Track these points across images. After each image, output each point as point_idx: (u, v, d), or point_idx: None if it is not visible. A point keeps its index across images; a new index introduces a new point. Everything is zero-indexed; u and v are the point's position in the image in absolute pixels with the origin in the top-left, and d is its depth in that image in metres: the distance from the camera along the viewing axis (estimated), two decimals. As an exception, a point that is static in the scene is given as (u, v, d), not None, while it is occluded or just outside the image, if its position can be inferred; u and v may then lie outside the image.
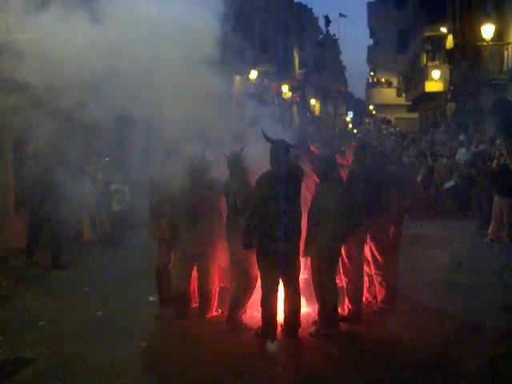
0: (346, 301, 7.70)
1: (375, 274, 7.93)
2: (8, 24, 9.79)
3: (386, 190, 7.78)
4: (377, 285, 7.95)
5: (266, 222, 6.89)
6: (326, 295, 7.14)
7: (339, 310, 7.63)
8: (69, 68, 7.09)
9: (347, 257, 7.59)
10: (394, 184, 7.97)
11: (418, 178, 17.08)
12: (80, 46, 7.15)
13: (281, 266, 6.95)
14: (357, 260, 7.66)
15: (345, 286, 7.70)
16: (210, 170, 7.84)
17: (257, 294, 7.30)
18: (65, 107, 7.16)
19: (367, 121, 53.13)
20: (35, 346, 6.98)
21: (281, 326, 7.19)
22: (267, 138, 7.17)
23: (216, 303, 7.92)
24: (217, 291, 7.89)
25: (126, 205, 12.53)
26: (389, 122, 50.24)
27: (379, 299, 7.95)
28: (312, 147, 8.66)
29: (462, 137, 21.07)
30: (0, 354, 6.70)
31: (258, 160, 7.33)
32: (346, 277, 7.67)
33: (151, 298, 8.47)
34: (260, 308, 7.12)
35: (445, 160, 17.54)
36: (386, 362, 6.48)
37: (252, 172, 7.38)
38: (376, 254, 7.85)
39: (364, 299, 7.98)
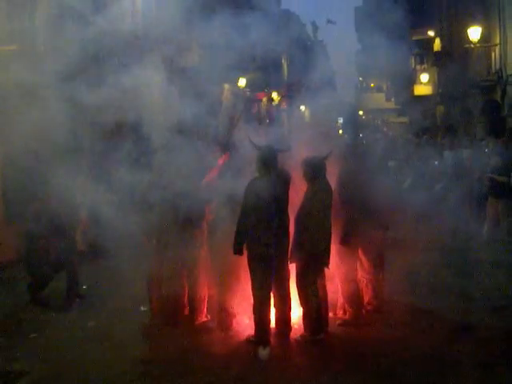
0: (346, 305, 7.71)
1: (362, 277, 7.92)
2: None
3: (372, 194, 7.76)
4: (364, 288, 7.94)
5: (257, 227, 6.87)
6: (309, 301, 7.12)
7: (341, 313, 7.66)
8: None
9: (340, 261, 7.58)
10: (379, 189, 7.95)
11: (407, 183, 17.01)
12: None
13: (272, 271, 6.95)
14: (349, 264, 7.65)
15: (340, 290, 7.71)
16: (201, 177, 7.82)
17: (248, 299, 7.28)
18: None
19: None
20: (27, 358, 6.95)
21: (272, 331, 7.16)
22: (254, 145, 7.17)
23: (205, 309, 7.90)
24: (206, 297, 7.86)
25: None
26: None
27: (366, 301, 7.96)
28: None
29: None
30: (-8, 367, 6.67)
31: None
32: (340, 281, 7.67)
33: (142, 308, 8.41)
34: (252, 315, 7.10)
35: (436, 163, 17.50)
36: (376, 363, 6.51)
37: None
38: (363, 257, 7.86)
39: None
